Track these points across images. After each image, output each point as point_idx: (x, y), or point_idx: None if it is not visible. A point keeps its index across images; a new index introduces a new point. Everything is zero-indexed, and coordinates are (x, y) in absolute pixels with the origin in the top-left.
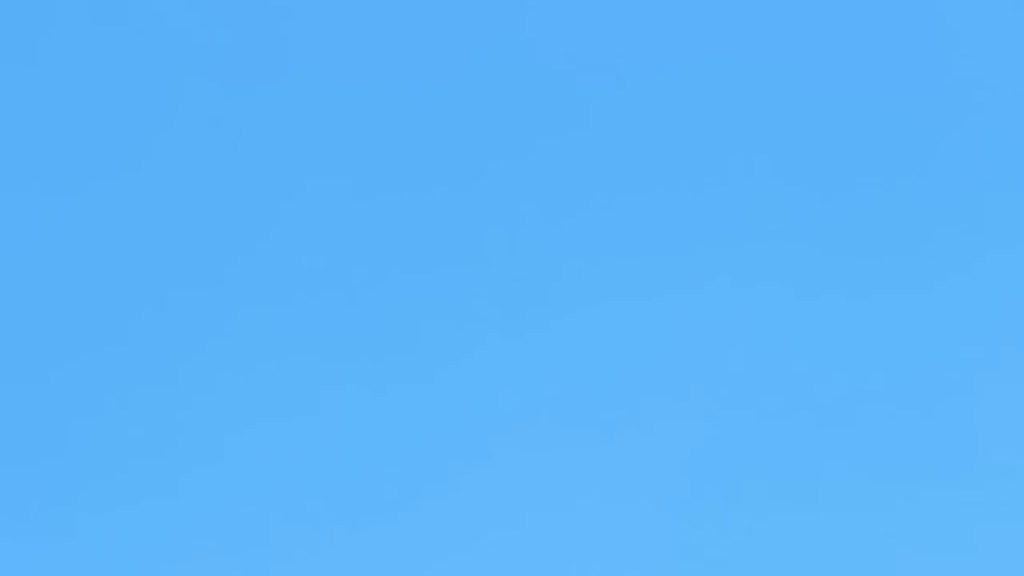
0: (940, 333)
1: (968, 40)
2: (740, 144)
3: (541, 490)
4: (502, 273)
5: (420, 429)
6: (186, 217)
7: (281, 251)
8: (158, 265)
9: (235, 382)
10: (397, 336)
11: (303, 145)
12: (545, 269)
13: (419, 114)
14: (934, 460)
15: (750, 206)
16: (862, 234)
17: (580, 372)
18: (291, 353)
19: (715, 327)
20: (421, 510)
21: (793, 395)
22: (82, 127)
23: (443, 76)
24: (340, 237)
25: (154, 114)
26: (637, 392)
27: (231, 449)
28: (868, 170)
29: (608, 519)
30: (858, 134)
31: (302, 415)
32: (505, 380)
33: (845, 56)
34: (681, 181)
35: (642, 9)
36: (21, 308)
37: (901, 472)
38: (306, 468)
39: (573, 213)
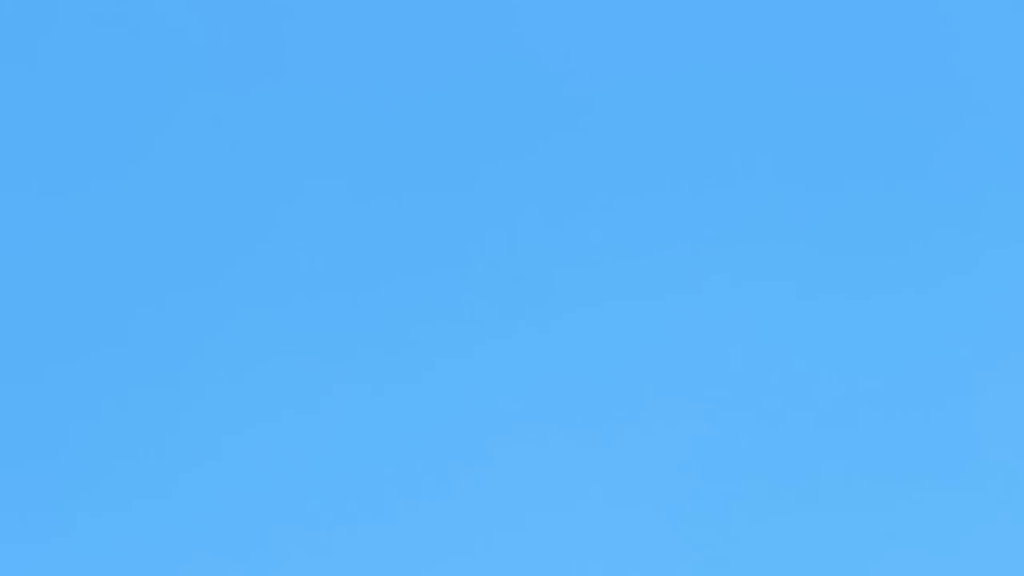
0: (939, 332)
1: (968, 40)
2: (740, 144)
3: (541, 490)
4: (502, 273)
5: (419, 429)
6: (186, 217)
7: (280, 251)
8: (158, 265)
9: (235, 382)
10: (397, 336)
11: (303, 146)
12: (544, 269)
13: (418, 114)
14: (933, 459)
15: (750, 206)
16: (861, 233)
17: (580, 372)
18: (291, 353)
19: (715, 326)
20: (420, 510)
21: (793, 394)
22: (82, 127)
23: (442, 76)
24: (339, 237)
25: (154, 115)
26: (636, 391)
27: (230, 449)
28: (867, 170)
29: (607, 519)
30: (858, 134)
31: (301, 415)
32: (505, 380)
33: (845, 56)
34: (680, 181)
35: (642, 8)
36: (21, 308)
37: (900, 471)
38: (305, 467)
39: (573, 213)
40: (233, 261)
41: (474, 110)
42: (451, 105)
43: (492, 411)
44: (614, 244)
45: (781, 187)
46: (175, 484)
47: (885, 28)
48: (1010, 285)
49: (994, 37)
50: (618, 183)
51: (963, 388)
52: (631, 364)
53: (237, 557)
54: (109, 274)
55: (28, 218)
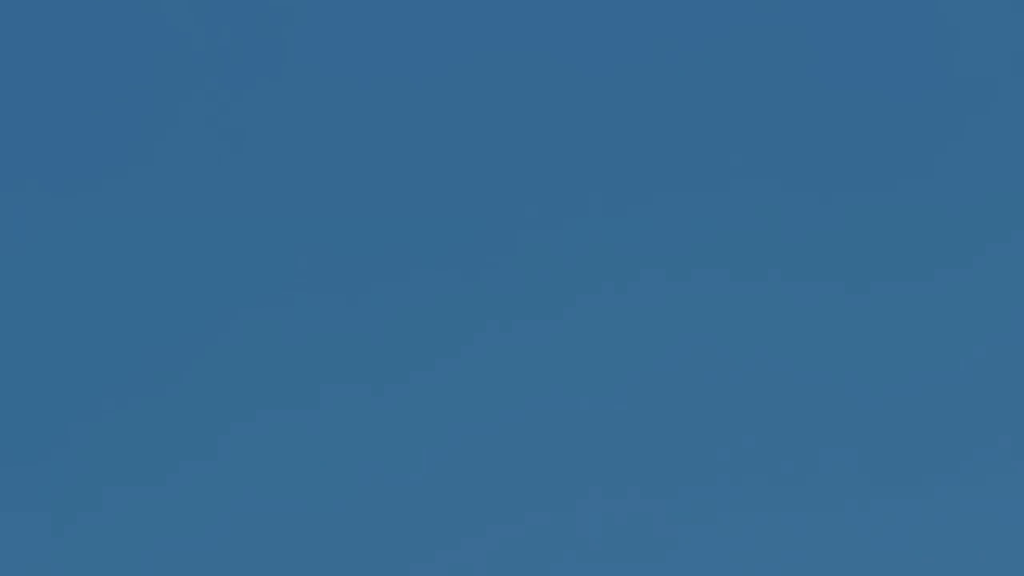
0: (939, 331)
1: (968, 40)
2: (740, 143)
3: (540, 489)
4: (502, 273)
5: (419, 428)
6: (185, 217)
7: (281, 251)
8: (158, 265)
9: (234, 381)
10: (397, 336)
11: (303, 145)
12: (544, 269)
13: (419, 114)
14: (932, 457)
15: (750, 205)
16: (862, 232)
17: (579, 370)
18: (291, 352)
19: (714, 325)
20: (420, 510)
21: (792, 392)
22: (83, 127)
23: (442, 76)
24: (339, 237)
25: (154, 115)
26: (636, 390)
27: (229, 448)
28: (867, 169)
29: (607, 518)
30: (857, 132)
31: (301, 415)
32: (505, 379)
33: (845, 56)
34: (681, 181)
35: (643, 8)
36: (21, 308)
37: (899, 469)
38: (304, 467)
39: (573, 212)
40: (233, 261)
41: (474, 109)
42: (451, 104)
43: (492, 411)
44: (614, 244)
45: (781, 186)
46: (174, 484)
47: (885, 28)
48: (1010, 283)
49: (994, 37)
50: (618, 182)
51: (963, 387)
52: (631, 363)
53: (237, 557)
54: (110, 274)
55: (28, 218)
